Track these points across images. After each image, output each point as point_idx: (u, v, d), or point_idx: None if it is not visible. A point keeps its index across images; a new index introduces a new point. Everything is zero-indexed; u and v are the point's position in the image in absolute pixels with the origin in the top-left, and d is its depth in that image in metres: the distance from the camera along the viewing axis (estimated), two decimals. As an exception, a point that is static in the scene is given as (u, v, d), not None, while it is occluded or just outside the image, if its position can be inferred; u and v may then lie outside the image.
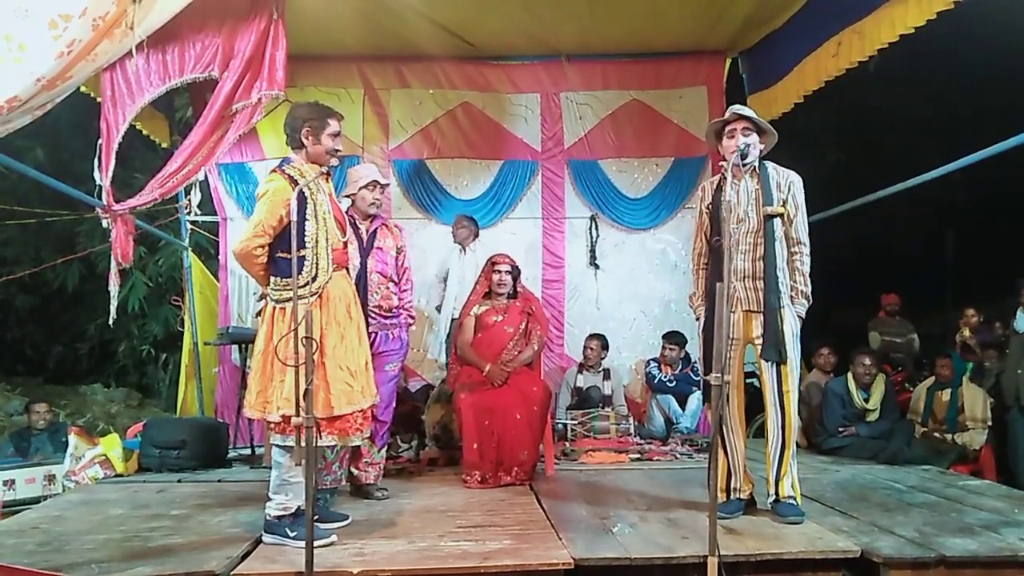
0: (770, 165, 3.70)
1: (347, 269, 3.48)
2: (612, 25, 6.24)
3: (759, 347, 3.58)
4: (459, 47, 6.52)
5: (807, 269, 3.63)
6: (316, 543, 3.08)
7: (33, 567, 2.85)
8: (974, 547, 3.15)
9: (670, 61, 6.95)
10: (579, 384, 6.32)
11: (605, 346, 6.37)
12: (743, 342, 3.65)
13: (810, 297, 3.64)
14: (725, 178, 3.62)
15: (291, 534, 3.23)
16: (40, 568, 2.85)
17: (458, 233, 6.36)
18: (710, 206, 3.75)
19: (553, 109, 7.01)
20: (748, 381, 3.89)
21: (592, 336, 6.40)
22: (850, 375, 5.73)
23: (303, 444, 2.79)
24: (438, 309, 6.42)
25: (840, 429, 5.60)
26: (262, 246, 3.25)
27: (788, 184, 3.63)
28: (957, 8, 4.30)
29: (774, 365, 3.55)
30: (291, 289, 3.09)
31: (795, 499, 3.58)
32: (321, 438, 3.15)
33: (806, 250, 3.63)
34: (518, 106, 7.01)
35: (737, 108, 3.73)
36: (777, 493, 3.59)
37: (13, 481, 5.22)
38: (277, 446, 3.26)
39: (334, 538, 3.24)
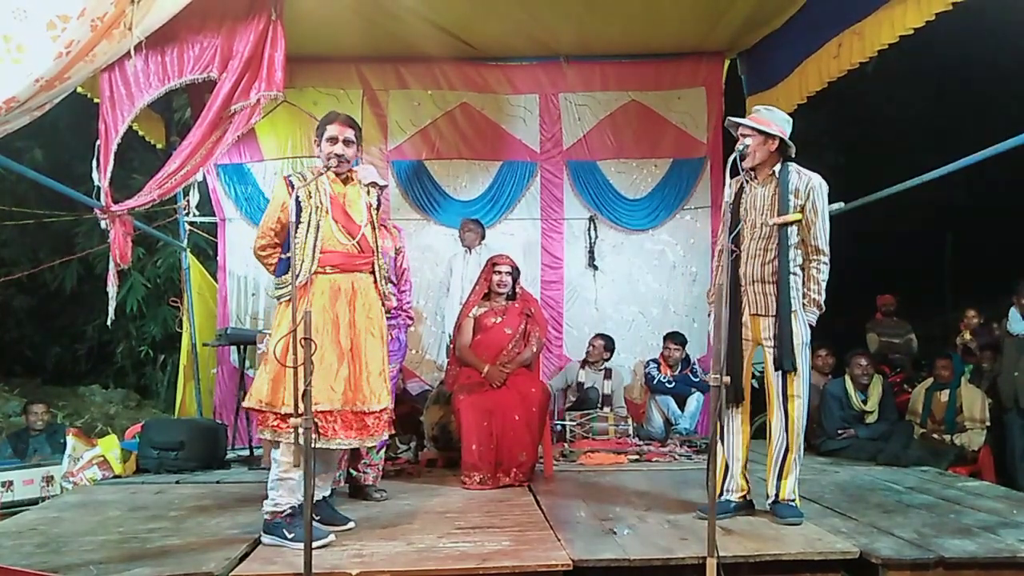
0: (793, 169, 3.59)
1: (371, 273, 3.50)
2: (611, 26, 6.24)
3: (769, 349, 3.57)
4: (458, 48, 6.52)
5: (823, 278, 3.56)
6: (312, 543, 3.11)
7: (31, 568, 2.84)
8: (973, 548, 3.15)
9: (669, 62, 6.96)
10: (580, 379, 6.34)
11: (608, 347, 6.38)
12: (752, 344, 3.64)
13: (823, 306, 3.58)
14: (745, 180, 3.63)
15: (288, 535, 3.23)
16: (38, 569, 2.84)
17: (466, 237, 6.35)
18: (732, 205, 3.66)
19: (552, 110, 7.01)
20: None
21: (598, 335, 6.42)
22: (847, 377, 5.74)
23: (302, 444, 2.78)
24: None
25: (839, 431, 5.61)
26: (263, 247, 3.44)
27: (808, 190, 3.53)
28: (956, 9, 4.31)
29: (781, 373, 3.54)
30: (280, 287, 3.36)
31: (795, 501, 3.57)
32: (284, 435, 3.21)
33: (824, 259, 3.55)
34: (517, 107, 7.00)
35: (756, 108, 3.70)
36: (777, 494, 3.59)
37: (11, 482, 5.20)
38: (261, 438, 3.32)
39: (331, 538, 3.24)
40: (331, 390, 3.27)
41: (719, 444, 3.66)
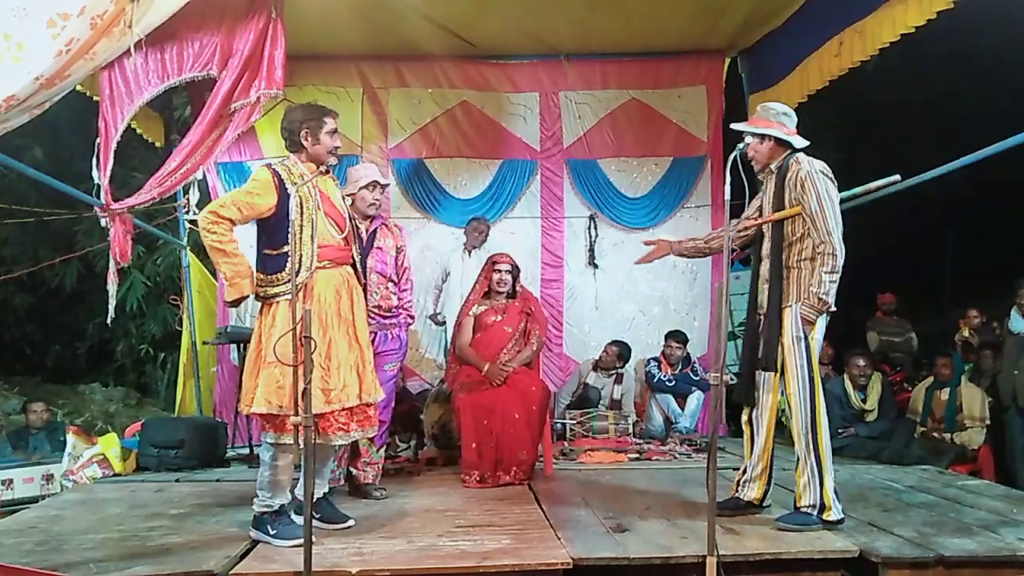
0: (794, 161, 3.48)
1: (353, 266, 3.49)
2: (611, 24, 6.23)
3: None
4: (458, 46, 6.52)
5: (826, 270, 3.35)
6: (292, 542, 3.14)
7: (31, 566, 2.84)
8: (972, 547, 3.15)
9: (669, 60, 6.96)
10: (589, 381, 6.34)
11: (623, 356, 6.35)
12: None
13: (824, 300, 3.35)
14: (759, 179, 3.62)
15: (271, 532, 3.25)
16: (38, 567, 2.84)
17: (473, 236, 6.32)
18: (745, 204, 3.63)
19: (552, 108, 7.01)
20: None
21: (613, 342, 6.40)
22: (846, 376, 5.75)
23: (300, 444, 2.78)
24: (434, 319, 6.38)
25: (839, 430, 5.61)
26: (223, 218, 3.17)
27: (800, 181, 3.39)
28: (957, 7, 4.30)
29: (771, 374, 3.50)
30: (274, 285, 3.23)
31: (810, 508, 3.40)
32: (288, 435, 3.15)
33: (828, 248, 3.34)
34: (517, 105, 7.00)
35: (759, 108, 3.68)
36: (796, 504, 3.49)
37: (11, 480, 5.21)
38: (266, 443, 3.27)
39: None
40: (350, 385, 3.29)
41: (747, 439, 3.65)
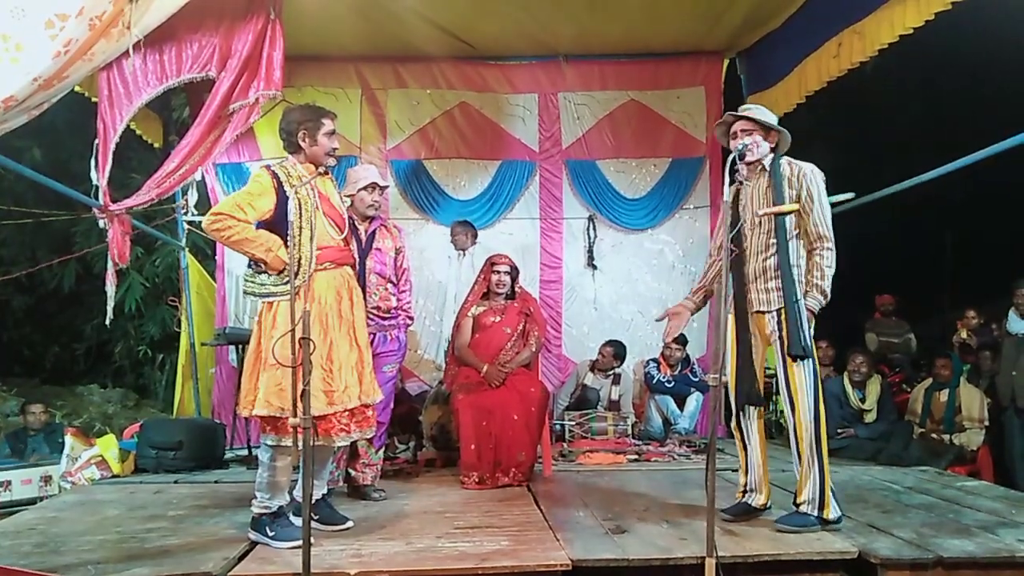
0: (785, 161, 3.56)
1: (351, 267, 3.49)
2: (610, 25, 6.23)
3: (775, 343, 3.48)
4: (457, 47, 6.52)
5: (827, 264, 3.44)
6: (290, 543, 3.14)
7: (29, 568, 2.84)
8: (971, 548, 3.15)
9: (668, 61, 6.96)
10: (587, 382, 6.35)
11: (618, 355, 6.34)
12: (761, 343, 3.57)
13: (827, 292, 3.45)
14: (740, 180, 3.61)
15: (270, 533, 3.25)
16: (36, 569, 2.84)
17: (458, 240, 6.34)
18: (731, 206, 3.61)
19: (551, 109, 7.01)
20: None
21: (608, 343, 6.40)
22: (845, 375, 5.75)
23: (299, 445, 2.77)
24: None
25: (838, 431, 5.61)
26: (231, 216, 3.19)
27: (800, 178, 3.47)
28: (955, 8, 4.31)
29: (783, 366, 3.47)
30: (275, 285, 3.23)
31: (807, 507, 3.40)
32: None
33: (828, 244, 3.45)
34: (516, 106, 6.99)
35: (747, 107, 3.70)
36: (795, 501, 3.48)
37: (9, 482, 5.20)
38: (266, 444, 3.26)
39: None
40: (351, 386, 3.29)
41: (738, 444, 3.66)
